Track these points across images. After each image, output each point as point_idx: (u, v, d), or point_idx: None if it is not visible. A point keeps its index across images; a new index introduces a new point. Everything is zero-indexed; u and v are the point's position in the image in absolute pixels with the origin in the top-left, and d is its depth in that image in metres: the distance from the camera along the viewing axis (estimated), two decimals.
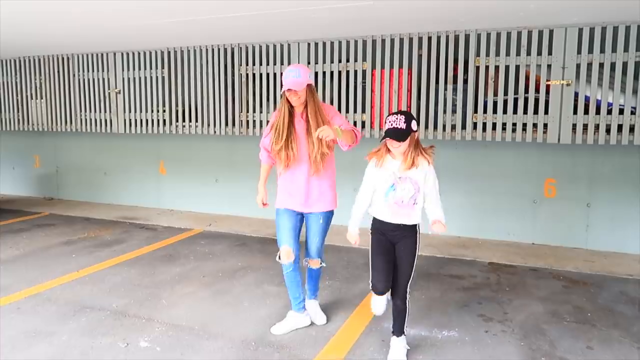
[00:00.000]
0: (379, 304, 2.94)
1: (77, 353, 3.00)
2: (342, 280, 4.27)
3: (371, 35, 5.06)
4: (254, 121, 5.75)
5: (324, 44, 5.27)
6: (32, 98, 7.03)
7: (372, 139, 5.29)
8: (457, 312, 3.62)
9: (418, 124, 2.84)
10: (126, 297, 3.90)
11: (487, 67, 4.73)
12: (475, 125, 4.84)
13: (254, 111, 5.74)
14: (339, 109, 5.29)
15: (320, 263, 3.33)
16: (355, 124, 5.26)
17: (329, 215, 3.24)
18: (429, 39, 4.87)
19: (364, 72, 5.19)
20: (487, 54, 4.71)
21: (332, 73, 5.30)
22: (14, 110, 7.22)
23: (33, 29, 4.97)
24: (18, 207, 7.30)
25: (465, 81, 4.84)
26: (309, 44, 5.34)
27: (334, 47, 5.23)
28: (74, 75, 6.68)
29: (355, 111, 5.25)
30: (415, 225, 2.82)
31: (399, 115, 2.64)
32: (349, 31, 4.95)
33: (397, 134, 2.61)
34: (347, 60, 5.24)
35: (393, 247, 2.83)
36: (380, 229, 2.84)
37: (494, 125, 4.77)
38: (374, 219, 2.87)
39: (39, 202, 7.68)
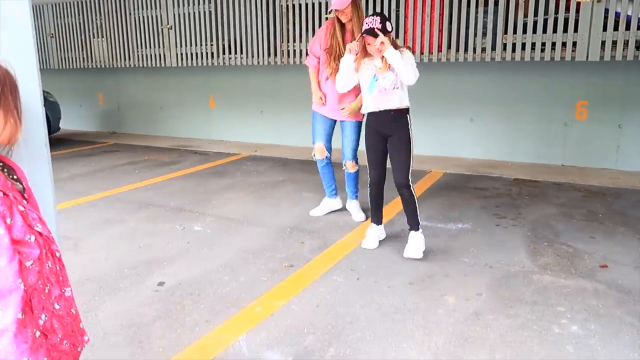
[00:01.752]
0: (371, 236, 3.28)
1: (143, 233, 3.61)
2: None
3: None
4: (294, 51, 6.10)
5: None
6: (94, 37, 7.66)
7: None
8: (474, 212, 3.98)
9: (392, 27, 3.04)
10: (183, 199, 4.50)
11: None
12: (505, 46, 4.99)
13: (294, 41, 6.08)
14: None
15: (355, 165, 3.75)
16: None
17: (359, 124, 3.69)
18: None
19: None
20: None
21: (367, 0, 5.53)
22: (78, 49, 7.90)
23: None
24: (87, 139, 8.12)
25: (497, 3, 4.95)
26: None
27: None
28: (130, 13, 7.22)
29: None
30: (405, 111, 3.07)
31: (374, 16, 2.88)
32: None
33: (373, 32, 2.84)
34: None
35: (386, 140, 3.10)
36: (372, 125, 3.13)
37: (523, 46, 4.91)
38: (367, 117, 3.16)
39: (104, 135, 8.47)
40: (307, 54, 6.08)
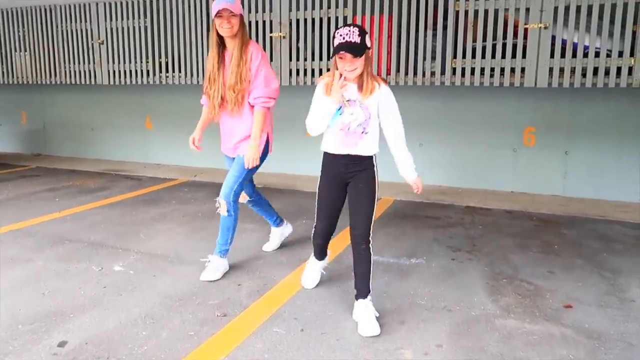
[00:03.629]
0: (310, 273, 2.88)
1: (51, 276, 3.08)
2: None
3: None
4: None
5: None
6: (15, 50, 6.99)
7: None
8: (427, 244, 3.71)
9: (370, 39, 2.41)
10: (105, 232, 3.97)
11: (466, 12, 4.72)
12: (454, 70, 4.86)
13: None
14: (320, 57, 5.29)
15: (228, 206, 3.06)
16: (320, 70, 5.26)
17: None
18: None
19: (345, 18, 5.16)
20: None
21: (313, 20, 5.28)
22: None
23: None
24: (4, 162, 7.33)
25: (445, 27, 4.83)
26: None
27: None
28: (56, 26, 6.63)
29: None
30: (371, 157, 2.49)
31: (352, 27, 2.25)
32: None
33: (352, 48, 2.21)
34: (328, 7, 5.20)
35: (344, 186, 2.53)
36: (330, 165, 2.54)
37: (473, 70, 4.79)
38: (324, 156, 2.56)
39: (26, 158, 7.70)
40: None
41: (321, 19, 5.25)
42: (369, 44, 2.29)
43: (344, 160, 2.48)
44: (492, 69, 4.73)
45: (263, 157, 3.03)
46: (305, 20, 5.31)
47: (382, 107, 2.41)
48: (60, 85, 7.04)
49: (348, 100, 2.39)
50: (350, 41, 2.23)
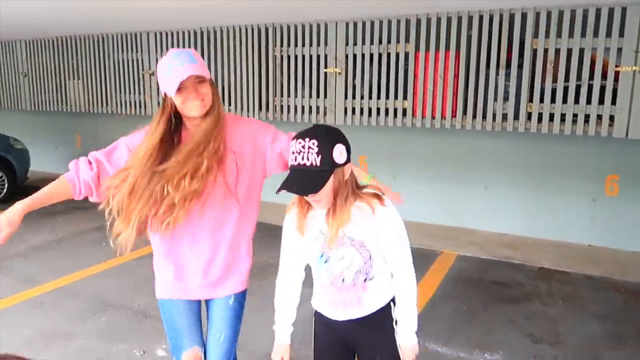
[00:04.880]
0: None
1: (91, 359, 2.87)
2: None
3: (415, 14, 4.61)
4: (289, 106, 5.44)
5: (364, 23, 4.86)
6: (69, 79, 6.99)
7: (413, 129, 4.92)
8: (502, 330, 3.26)
9: (347, 148, 1.53)
10: (148, 294, 3.75)
11: (546, 50, 4.20)
12: (529, 115, 4.35)
13: (289, 95, 5.43)
14: (378, 95, 4.90)
15: None
16: (395, 111, 4.87)
17: (240, 304, 1.95)
18: (480, 17, 4.37)
19: (406, 54, 4.75)
20: (547, 35, 4.17)
21: (371, 56, 4.90)
22: (53, 90, 7.22)
23: (70, 5, 4.83)
24: None
25: (520, 65, 4.33)
26: (347, 24, 4.94)
27: (374, 27, 4.81)
28: (108, 55, 6.56)
29: (396, 97, 4.85)
30: (387, 306, 1.67)
31: (307, 139, 1.47)
32: (391, 9, 4.51)
33: (305, 181, 1.47)
34: (389, 42, 4.81)
35: (351, 350, 1.75)
36: (326, 333, 1.76)
37: (552, 116, 4.27)
38: (315, 315, 1.79)
39: None
40: (302, 110, 5.50)
41: (380, 55, 4.86)
42: (340, 159, 1.48)
43: (345, 326, 1.68)
44: (575, 115, 4.20)
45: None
46: (363, 55, 4.93)
47: (383, 236, 1.60)
48: (112, 114, 7.00)
49: (320, 232, 1.62)
50: (304, 165, 1.46)
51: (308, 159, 1.45)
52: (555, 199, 4.99)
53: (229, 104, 5.78)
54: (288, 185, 1.47)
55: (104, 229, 5.41)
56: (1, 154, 6.33)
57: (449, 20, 4.50)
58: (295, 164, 1.48)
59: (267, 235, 5.10)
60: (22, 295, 3.70)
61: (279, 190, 1.47)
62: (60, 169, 8.32)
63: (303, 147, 1.47)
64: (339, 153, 1.48)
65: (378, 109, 4.93)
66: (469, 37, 4.47)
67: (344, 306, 1.65)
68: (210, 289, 1.87)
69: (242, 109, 5.69)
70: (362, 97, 5.02)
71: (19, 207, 1.65)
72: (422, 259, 4.50)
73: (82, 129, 8.02)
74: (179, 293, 1.87)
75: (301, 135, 1.49)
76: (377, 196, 1.58)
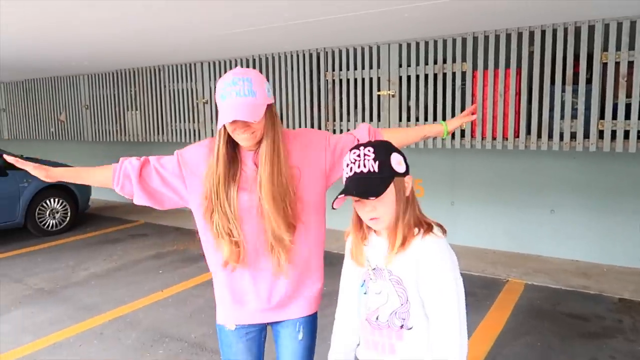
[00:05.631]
0: None
1: None
2: None
3: (472, 32, 4.44)
4: (341, 130, 5.36)
5: (417, 44, 4.73)
6: (127, 109, 7.24)
7: (472, 150, 4.70)
8: None
9: (405, 160, 1.42)
10: (205, 325, 3.71)
11: (617, 64, 3.92)
12: (601, 133, 4.05)
13: (341, 120, 5.36)
14: (434, 117, 4.73)
15: None
16: (453, 133, 4.67)
17: (312, 327, 1.85)
18: (543, 32, 4.15)
19: (463, 73, 4.58)
20: (618, 48, 3.90)
21: (426, 76, 4.75)
22: (112, 121, 7.50)
23: (127, 43, 5.01)
24: (118, 215, 7.60)
25: (589, 81, 4.06)
26: (400, 45, 4.83)
27: (429, 47, 4.68)
28: (164, 86, 6.75)
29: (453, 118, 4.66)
30: None
31: (362, 148, 1.37)
32: (447, 28, 4.37)
33: (365, 185, 1.33)
34: (444, 62, 4.66)
35: None
36: None
37: (627, 134, 3.96)
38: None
39: (136, 209, 7.94)
40: None
41: (435, 75, 4.71)
42: (399, 168, 1.36)
43: None
44: None
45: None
46: (417, 76, 4.80)
47: (422, 277, 1.34)
48: (167, 142, 7.17)
49: (374, 269, 1.43)
50: (362, 172, 1.34)
51: (365, 166, 1.35)
52: (632, 223, 4.60)
53: None
54: (346, 190, 1.35)
55: (160, 257, 5.48)
56: (65, 183, 6.59)
57: (508, 37, 4.30)
58: (352, 174, 1.37)
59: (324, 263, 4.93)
60: (82, 325, 3.74)
61: (336, 200, 1.35)
62: (120, 198, 8.60)
63: (358, 156, 1.37)
64: (396, 161, 1.38)
65: None
66: (531, 53, 4.25)
67: (376, 349, 1.45)
68: (274, 312, 1.73)
69: None
70: (417, 119, 4.86)
71: (59, 170, 1.84)
72: (487, 289, 4.23)
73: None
74: (239, 318, 1.75)
75: (355, 147, 1.41)
76: (427, 224, 1.39)
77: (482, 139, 4.53)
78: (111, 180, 1.78)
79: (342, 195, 1.34)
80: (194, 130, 6.56)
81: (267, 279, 1.69)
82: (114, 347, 3.40)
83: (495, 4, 3.49)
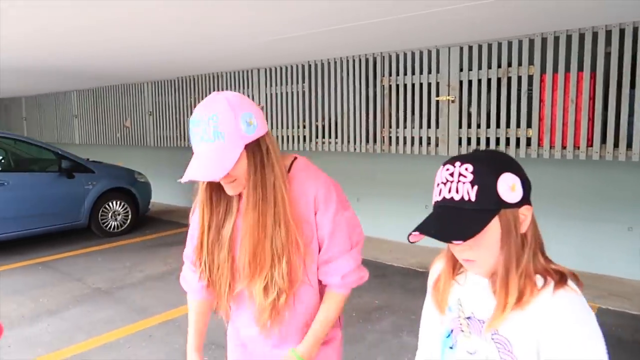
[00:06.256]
0: None
1: None
2: None
3: (540, 32, 4.14)
4: (397, 137, 5.17)
5: (480, 47, 4.48)
6: (188, 116, 7.40)
7: (539, 159, 4.37)
8: None
9: (524, 182, 1.01)
10: None
11: None
12: None
13: (397, 126, 5.17)
14: (497, 124, 4.45)
15: None
16: (518, 141, 4.37)
17: None
18: (622, 31, 3.79)
19: (530, 77, 4.28)
20: None
21: (489, 81, 4.48)
22: (173, 127, 7.70)
23: (188, 52, 5.11)
24: (176, 219, 7.77)
25: None
26: (460, 49, 4.60)
27: (492, 49, 4.41)
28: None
29: (518, 125, 4.36)
30: None
31: (458, 163, 1.00)
32: (512, 30, 4.11)
33: (452, 221, 0.98)
34: (509, 65, 4.37)
35: None
36: None
37: None
38: None
39: None
40: (411, 141, 5.20)
41: (499, 79, 4.43)
42: (510, 195, 0.98)
43: None
44: None
45: None
46: (479, 81, 4.54)
47: (550, 347, 0.97)
48: None
49: (468, 318, 1.09)
50: (451, 199, 0.99)
51: (457, 191, 0.98)
52: None
53: (335, 137, 5.67)
54: (424, 226, 1.00)
55: None
56: (127, 187, 6.81)
57: (581, 37, 3.97)
58: (439, 198, 1.01)
59: (373, 275, 4.73)
60: (133, 327, 3.77)
61: (411, 235, 1.01)
62: (179, 202, 8.83)
63: (451, 174, 1.00)
64: (507, 186, 0.97)
65: (497, 139, 4.47)
66: (607, 55, 3.89)
67: None
68: (276, 348, 1.49)
69: (348, 141, 5.53)
70: (478, 126, 4.60)
71: (195, 353, 1.66)
72: None
73: None
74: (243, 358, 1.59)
75: (451, 160, 1.02)
76: (557, 272, 1.00)
77: (551, 147, 4.20)
78: (209, 311, 1.65)
79: (416, 232, 0.99)
80: None
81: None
82: (161, 350, 3.40)
83: (568, 2, 3.21)
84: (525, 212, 1.00)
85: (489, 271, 1.03)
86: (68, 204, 6.21)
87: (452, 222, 0.97)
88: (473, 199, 0.96)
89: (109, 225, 6.64)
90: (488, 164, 0.99)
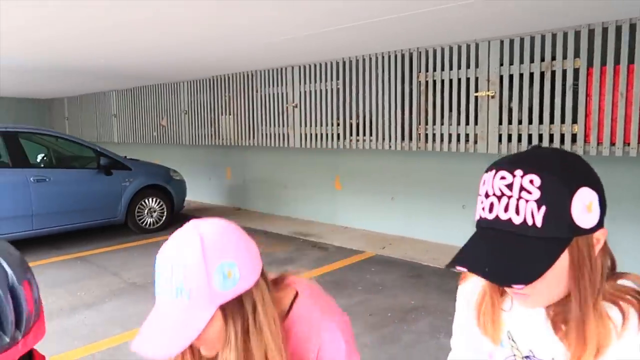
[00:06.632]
0: None
1: None
2: None
3: (587, 24, 3.95)
4: (434, 134, 5.04)
5: (522, 40, 4.32)
6: (222, 114, 7.46)
7: (585, 157, 4.15)
8: None
9: (601, 196, 0.77)
10: None
11: None
12: None
13: (434, 123, 5.04)
14: (540, 119, 4.27)
15: None
16: (562, 137, 4.18)
17: None
18: None
19: (575, 71, 4.08)
20: None
21: (531, 75, 4.31)
22: (207, 126, 7.77)
23: (222, 50, 5.13)
24: (210, 216, 7.81)
25: None
26: (501, 42, 4.44)
27: (535, 42, 4.24)
28: (256, 90, 6.85)
29: (562, 121, 4.17)
30: None
31: (518, 170, 0.75)
32: (556, 22, 3.93)
33: (506, 254, 0.74)
34: (553, 58, 4.19)
35: None
36: None
37: None
38: None
39: (227, 212, 8.14)
40: (449, 138, 5.05)
41: (542, 74, 4.25)
42: (586, 219, 0.75)
43: None
44: None
45: None
46: (521, 75, 4.37)
47: None
48: (258, 146, 7.28)
49: (526, 357, 0.88)
50: (508, 221, 0.75)
51: (518, 212, 0.74)
52: None
53: (370, 134, 5.58)
54: (471, 259, 0.77)
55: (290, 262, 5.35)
56: (162, 184, 6.90)
57: (632, 27, 3.76)
58: (491, 217, 0.76)
59: (408, 275, 4.65)
60: None
61: (451, 265, 0.78)
62: (214, 200, 8.91)
63: (509, 186, 0.75)
64: (583, 206, 0.75)
65: (540, 135, 4.29)
66: None
67: None
68: None
69: (383, 139, 5.43)
70: (519, 122, 4.43)
71: None
72: None
73: (232, 161, 8.50)
74: None
75: (507, 164, 0.77)
76: (635, 295, 0.81)
77: (598, 144, 4.00)
78: None
79: (461, 267, 0.76)
80: (284, 135, 6.57)
81: None
82: None
83: None
84: (600, 236, 0.78)
85: (547, 304, 0.83)
86: (106, 200, 6.34)
87: (510, 256, 0.73)
88: (539, 223, 0.73)
89: (145, 222, 6.74)
90: (560, 176, 0.74)
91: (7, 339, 0.81)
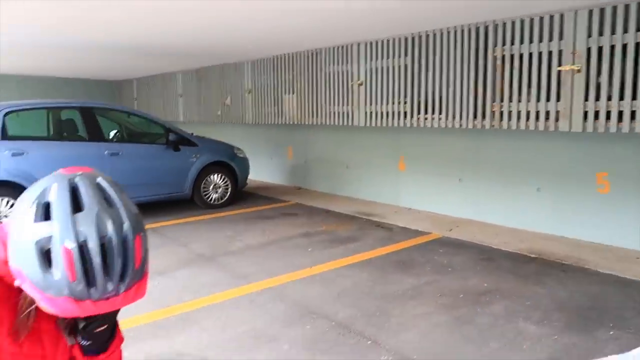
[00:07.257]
0: None
1: None
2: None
3: None
4: (510, 112, 4.79)
5: (614, 8, 3.98)
6: (285, 93, 7.46)
7: None
8: None
9: None
10: (353, 306, 3.54)
11: None
12: None
13: (510, 100, 4.78)
14: (633, 96, 3.93)
15: None
16: (632, 112, 3.84)
17: None
18: None
19: None
20: None
21: (624, 46, 3.98)
22: (271, 105, 7.80)
23: (286, 26, 5.09)
24: (271, 195, 7.90)
25: None
26: (590, 11, 4.12)
27: (630, 10, 3.90)
28: (320, 69, 6.78)
29: None
30: None
31: None
32: None
33: None
34: None
35: None
36: None
37: None
38: None
39: (288, 191, 8.19)
40: (526, 115, 4.77)
41: (637, 45, 3.91)
42: None
43: None
44: None
45: None
46: (612, 47, 4.04)
47: None
48: (321, 125, 7.22)
49: None
50: None
51: None
52: None
53: (440, 112, 5.38)
54: None
55: (309, 236, 5.47)
56: (227, 161, 7.01)
57: None
58: None
59: (479, 258, 4.47)
60: (235, 291, 3.84)
61: None
62: (275, 179, 8.99)
63: None
64: None
65: (632, 112, 3.96)
66: None
67: None
68: None
69: (454, 117, 5.23)
70: (609, 99, 4.10)
71: None
72: None
73: (294, 140, 8.51)
74: None
75: None
76: None
77: None
78: None
79: None
80: (348, 113, 6.48)
81: None
82: (263, 315, 3.41)
83: None
84: None
85: None
86: (174, 175, 6.52)
87: None
88: None
89: (210, 198, 6.88)
90: None
91: (111, 287, 0.80)
